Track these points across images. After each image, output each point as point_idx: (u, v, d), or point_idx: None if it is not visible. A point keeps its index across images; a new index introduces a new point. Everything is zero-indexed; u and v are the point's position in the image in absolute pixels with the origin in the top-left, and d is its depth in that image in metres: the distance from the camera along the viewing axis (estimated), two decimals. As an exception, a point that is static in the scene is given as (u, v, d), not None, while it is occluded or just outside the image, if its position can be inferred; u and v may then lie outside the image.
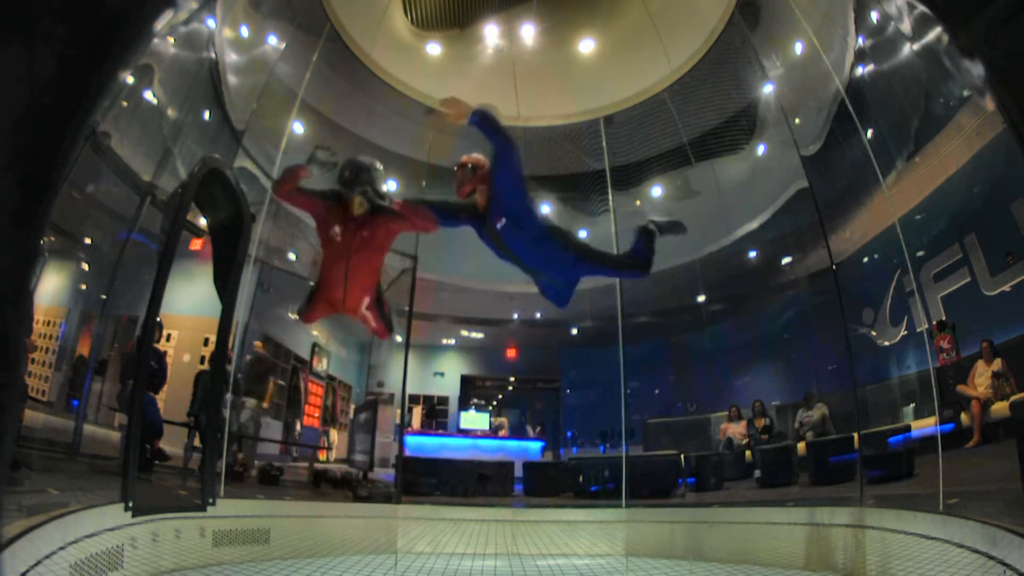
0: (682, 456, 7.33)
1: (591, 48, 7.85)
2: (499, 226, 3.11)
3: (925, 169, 5.84)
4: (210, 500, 4.46)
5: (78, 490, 3.55)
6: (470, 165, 3.09)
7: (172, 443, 5.43)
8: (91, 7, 1.09)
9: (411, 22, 7.61)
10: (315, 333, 10.20)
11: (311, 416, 9.72)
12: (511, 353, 12.90)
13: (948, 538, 3.39)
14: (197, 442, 5.44)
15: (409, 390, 8.58)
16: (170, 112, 5.14)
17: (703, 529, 5.53)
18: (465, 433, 10.64)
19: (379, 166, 3.15)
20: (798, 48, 6.68)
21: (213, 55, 5.63)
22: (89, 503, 3.31)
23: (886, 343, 6.85)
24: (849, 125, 5.83)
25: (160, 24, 1.39)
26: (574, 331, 11.76)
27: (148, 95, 4.71)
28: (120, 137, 4.42)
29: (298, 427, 9.32)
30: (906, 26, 4.81)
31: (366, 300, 3.40)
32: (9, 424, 1.01)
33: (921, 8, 3.84)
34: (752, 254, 9.12)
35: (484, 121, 2.90)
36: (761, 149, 8.13)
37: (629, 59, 7.71)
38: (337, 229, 3.07)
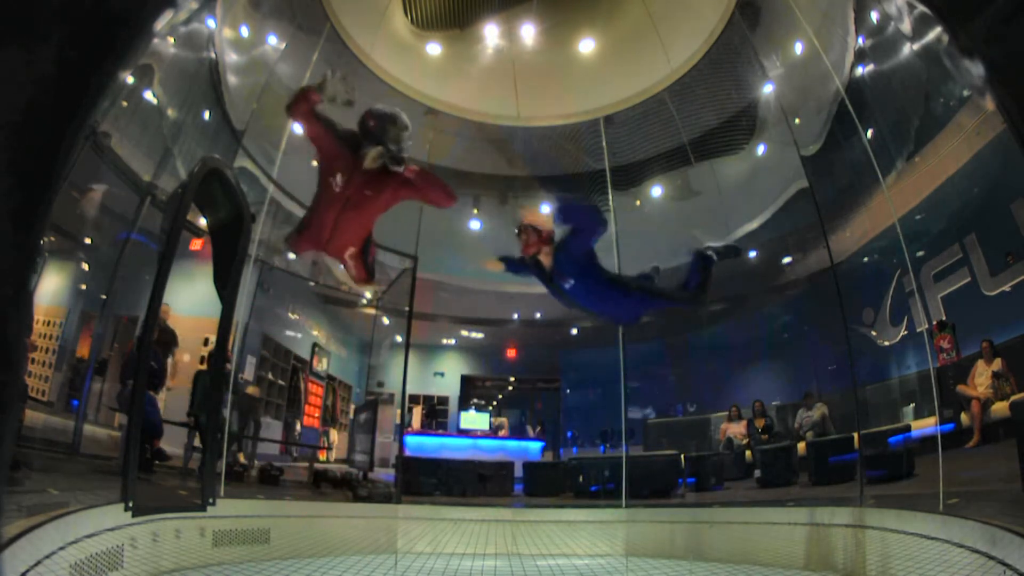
0: (682, 456, 7.33)
1: (591, 48, 7.85)
2: (567, 286, 3.17)
3: (925, 169, 5.84)
4: (210, 500, 4.46)
5: (78, 490, 3.55)
6: (536, 227, 3.09)
7: (172, 443, 5.43)
8: (91, 7, 1.09)
9: (411, 22, 7.61)
10: (315, 333, 10.21)
11: (311, 416, 9.72)
12: (511, 353, 12.89)
13: (948, 538, 3.39)
14: (197, 442, 5.44)
15: (409, 390, 8.58)
16: (170, 112, 5.14)
17: (703, 529, 5.52)
18: (465, 433, 10.63)
19: (407, 124, 2.91)
20: (798, 48, 6.68)
21: (213, 55, 5.63)
22: (89, 503, 3.31)
23: (886, 343, 6.85)
24: (849, 125, 5.83)
25: (160, 24, 1.39)
26: (574, 331, 11.75)
27: (148, 95, 4.72)
28: (120, 137, 4.42)
29: (298, 427, 9.31)
30: (906, 26, 4.82)
31: (352, 249, 3.16)
32: (9, 424, 1.01)
33: (921, 8, 3.85)
34: (752, 254, 9.11)
35: (573, 214, 3.02)
36: (761, 149, 8.13)
37: (629, 59, 7.71)
38: (339, 178, 2.80)
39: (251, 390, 7.64)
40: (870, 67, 5.76)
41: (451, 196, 3.00)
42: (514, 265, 3.36)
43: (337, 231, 2.93)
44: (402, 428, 8.55)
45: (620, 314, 3.44)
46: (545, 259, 3.16)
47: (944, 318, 6.06)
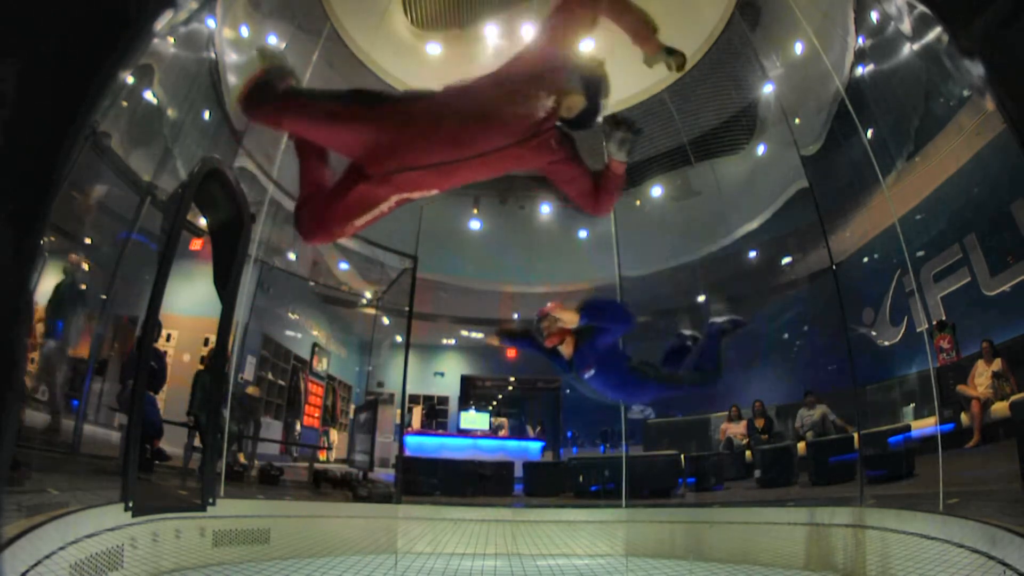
0: (682, 456, 7.33)
1: (591, 48, 7.84)
2: (586, 376, 3.11)
3: (925, 169, 5.84)
4: (210, 500, 4.46)
5: (78, 490, 3.55)
6: (554, 319, 2.97)
7: (172, 443, 5.43)
8: (91, 7, 1.09)
9: (411, 22, 7.61)
10: (315, 333, 10.21)
11: (311, 416, 9.72)
12: (511, 353, 12.85)
13: (948, 538, 3.38)
14: (197, 442, 5.45)
15: (409, 390, 8.59)
16: (170, 112, 5.13)
17: (703, 529, 5.52)
18: (465, 433, 10.63)
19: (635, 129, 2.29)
20: (798, 48, 6.68)
21: (213, 55, 5.63)
22: (89, 503, 3.31)
23: (886, 343, 6.85)
24: (849, 125, 5.83)
25: (160, 24, 1.39)
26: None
27: (148, 95, 4.71)
28: (120, 137, 4.42)
29: (298, 427, 9.32)
30: (906, 26, 4.81)
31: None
32: (9, 424, 1.01)
33: (921, 8, 3.85)
34: (752, 254, 9.12)
35: (601, 312, 2.85)
36: (761, 149, 8.13)
37: (629, 59, 7.69)
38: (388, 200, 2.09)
39: (251, 390, 7.65)
40: (870, 67, 5.76)
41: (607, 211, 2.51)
42: (516, 341, 3.31)
43: (345, 230, 2.24)
44: (402, 428, 8.56)
45: (634, 399, 3.43)
46: (566, 349, 3.08)
47: (944, 318, 6.07)
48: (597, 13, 2.07)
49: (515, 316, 12.03)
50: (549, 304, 3.03)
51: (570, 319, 2.85)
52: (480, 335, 12.75)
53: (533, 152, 2.07)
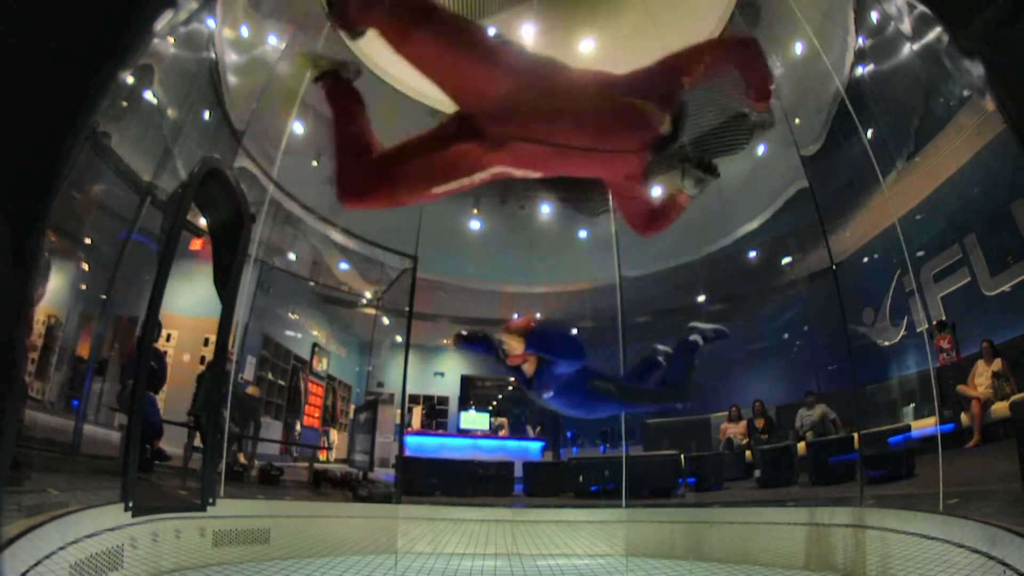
0: (682, 456, 7.33)
1: (591, 48, 7.85)
2: (546, 396, 3.04)
3: (925, 169, 5.84)
4: (210, 500, 4.46)
5: (78, 490, 3.55)
6: (518, 339, 2.85)
7: (172, 443, 5.43)
8: (91, 7, 1.09)
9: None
10: (315, 333, 10.21)
11: (311, 416, 9.72)
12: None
13: (948, 538, 3.38)
14: (197, 442, 5.44)
15: (409, 390, 8.58)
16: (170, 112, 5.13)
17: (703, 529, 5.52)
18: (465, 433, 10.64)
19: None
20: (798, 48, 6.68)
21: (213, 55, 5.63)
22: (89, 503, 3.31)
23: (886, 343, 6.85)
24: (849, 125, 5.83)
25: (160, 24, 1.39)
26: (574, 331, 11.75)
27: (148, 95, 4.71)
28: (120, 137, 4.42)
29: (298, 427, 9.32)
30: (906, 26, 4.81)
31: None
32: (9, 424, 1.01)
33: (921, 8, 3.85)
34: (752, 254, 9.11)
35: (543, 343, 2.71)
36: (761, 149, 8.13)
37: (629, 59, 7.69)
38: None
39: (251, 390, 7.65)
40: (870, 67, 5.76)
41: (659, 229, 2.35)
42: (471, 345, 3.20)
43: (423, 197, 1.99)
44: (402, 428, 8.55)
45: (593, 416, 3.33)
46: (528, 368, 2.99)
47: (944, 318, 6.07)
48: (739, 62, 2.15)
49: (515, 316, 12.03)
50: (515, 321, 2.93)
51: (515, 347, 2.74)
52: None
53: (632, 162, 2.00)
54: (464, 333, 3.30)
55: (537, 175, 1.99)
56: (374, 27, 1.86)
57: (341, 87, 2.08)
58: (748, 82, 2.19)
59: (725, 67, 2.19)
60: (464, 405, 12.31)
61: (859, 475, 5.16)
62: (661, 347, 3.59)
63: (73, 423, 4.43)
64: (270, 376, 8.73)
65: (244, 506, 4.89)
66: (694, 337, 3.41)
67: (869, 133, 5.70)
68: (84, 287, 5.00)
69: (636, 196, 2.20)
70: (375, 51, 7.44)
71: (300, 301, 9.54)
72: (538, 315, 2.92)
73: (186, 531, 4.16)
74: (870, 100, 5.83)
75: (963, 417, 5.22)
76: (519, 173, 1.93)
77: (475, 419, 11.12)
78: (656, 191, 2.28)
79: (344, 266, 9.53)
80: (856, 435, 5.56)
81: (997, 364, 5.18)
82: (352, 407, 10.66)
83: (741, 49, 2.19)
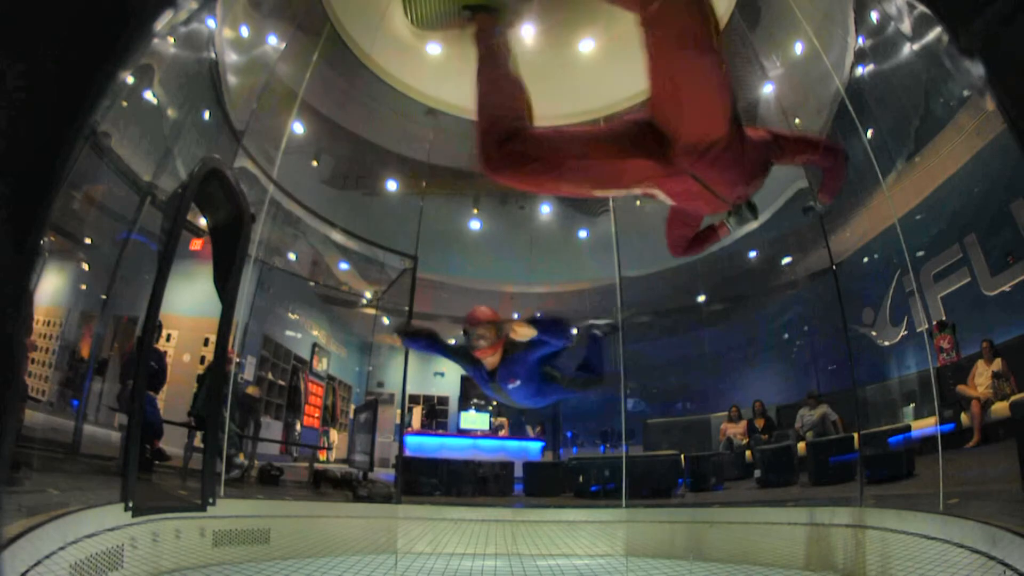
0: (682, 456, 7.33)
1: (591, 48, 7.84)
2: (509, 387, 3.08)
3: (925, 169, 5.84)
4: (210, 500, 4.46)
5: (78, 490, 3.55)
6: (495, 328, 2.87)
7: (172, 443, 5.43)
8: (91, 7, 1.09)
9: (411, 22, 7.60)
10: (315, 333, 10.21)
11: (311, 416, 9.72)
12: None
13: (948, 538, 3.39)
14: (197, 442, 5.45)
15: (409, 390, 8.59)
16: (170, 112, 5.14)
17: (703, 529, 5.52)
18: (465, 433, 10.63)
19: None
20: (798, 48, 6.68)
21: (213, 55, 5.63)
22: (89, 503, 3.31)
23: (886, 343, 6.85)
24: (849, 125, 5.83)
25: (160, 24, 1.39)
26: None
27: (148, 95, 4.72)
28: (120, 137, 4.42)
29: (298, 427, 9.32)
30: (906, 26, 4.82)
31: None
32: (9, 424, 1.01)
33: (921, 8, 3.85)
34: (752, 254, 9.12)
35: (550, 328, 2.79)
36: (761, 149, 8.12)
37: (629, 59, 7.68)
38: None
39: (251, 390, 7.65)
40: (870, 67, 5.76)
41: None
42: (414, 341, 3.23)
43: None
44: (402, 428, 8.56)
45: (538, 405, 3.42)
46: (492, 361, 2.99)
47: (944, 318, 6.07)
48: (827, 165, 2.49)
49: (515, 316, 12.02)
50: (482, 310, 2.93)
51: (527, 333, 2.78)
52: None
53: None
54: (407, 330, 3.36)
55: (668, 202, 2.08)
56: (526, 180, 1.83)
57: (491, 25, 1.93)
58: (825, 182, 2.57)
59: (814, 163, 2.50)
60: (464, 405, 12.30)
61: (859, 475, 5.16)
62: (598, 332, 3.90)
63: (73, 423, 4.43)
64: (270, 376, 8.73)
65: (244, 506, 4.89)
66: (595, 332, 3.83)
67: (869, 133, 5.70)
68: (84, 287, 5.00)
69: (695, 227, 2.42)
70: (375, 51, 7.45)
71: (300, 301, 9.55)
72: (483, 308, 2.96)
73: (186, 531, 4.17)
74: (870, 100, 5.84)
75: (963, 417, 5.22)
76: (660, 196, 1.99)
77: (475, 419, 11.12)
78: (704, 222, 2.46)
79: (344, 266, 9.53)
80: (856, 435, 5.56)
81: (997, 364, 5.18)
82: (352, 407, 10.66)
83: (833, 156, 2.50)
